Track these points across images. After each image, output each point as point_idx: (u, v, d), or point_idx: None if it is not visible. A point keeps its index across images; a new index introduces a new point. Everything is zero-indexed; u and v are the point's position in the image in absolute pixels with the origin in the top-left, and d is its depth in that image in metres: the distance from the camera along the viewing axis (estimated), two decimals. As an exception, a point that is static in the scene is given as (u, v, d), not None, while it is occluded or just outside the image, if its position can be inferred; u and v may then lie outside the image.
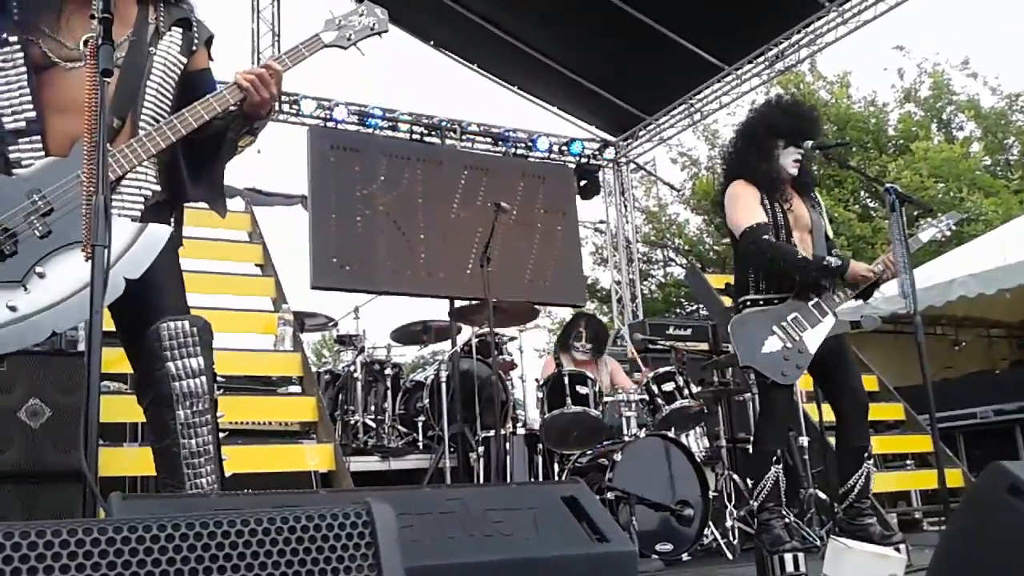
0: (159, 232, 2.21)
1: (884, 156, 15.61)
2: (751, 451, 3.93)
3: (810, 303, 3.61)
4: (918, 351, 3.40)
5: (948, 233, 4.01)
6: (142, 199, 2.26)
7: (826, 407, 4.08)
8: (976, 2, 29.16)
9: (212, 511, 1.08)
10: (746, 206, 3.66)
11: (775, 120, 3.78)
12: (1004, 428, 6.99)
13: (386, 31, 2.61)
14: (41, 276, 2.06)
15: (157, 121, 2.27)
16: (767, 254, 3.56)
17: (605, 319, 10.88)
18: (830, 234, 3.94)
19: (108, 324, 2.02)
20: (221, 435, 2.34)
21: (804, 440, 4.87)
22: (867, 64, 23.03)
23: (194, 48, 2.43)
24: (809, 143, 3.72)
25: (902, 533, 3.96)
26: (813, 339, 3.58)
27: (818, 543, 4.28)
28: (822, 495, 4.72)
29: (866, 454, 3.69)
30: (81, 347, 3.59)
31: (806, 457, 4.87)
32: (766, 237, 3.55)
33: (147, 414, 2.24)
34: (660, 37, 8.54)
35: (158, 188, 2.31)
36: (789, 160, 3.73)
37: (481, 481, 4.83)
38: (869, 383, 6.07)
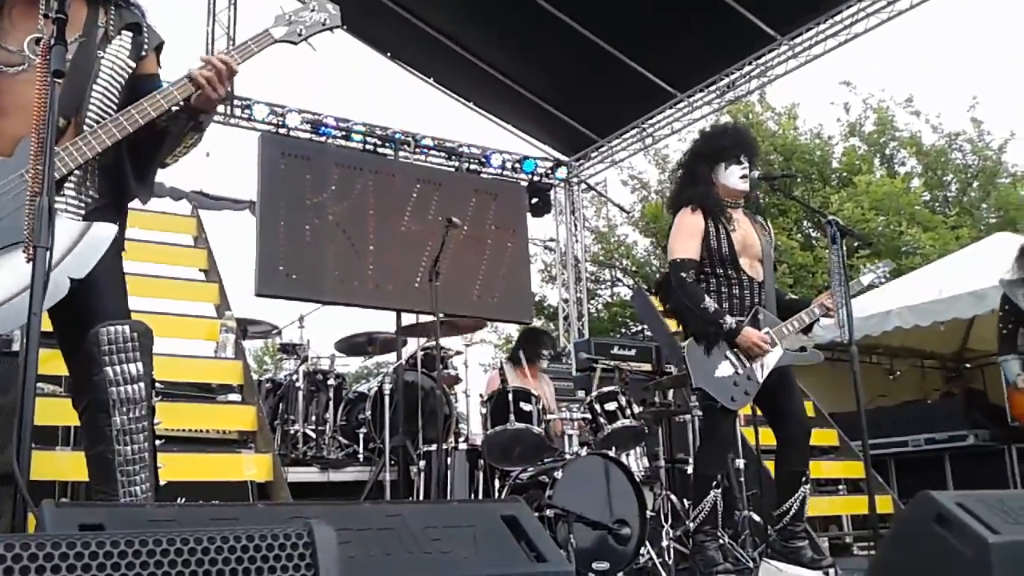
0: (104, 231, 2.17)
1: (828, 188, 15.99)
2: (692, 474, 3.99)
3: (763, 332, 3.69)
4: (853, 379, 3.50)
5: (884, 280, 4.17)
6: (84, 204, 2.23)
7: (764, 431, 4.16)
8: (921, 43, 30.13)
9: (147, 523, 1.06)
10: (682, 237, 3.77)
11: (699, 148, 3.93)
12: (934, 457, 7.18)
13: (338, 26, 2.57)
14: None
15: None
16: (677, 291, 3.71)
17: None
18: (775, 263, 4.05)
19: (44, 325, 1.98)
20: (157, 442, 2.30)
21: (740, 463, 4.95)
22: (814, 97, 23.60)
23: (143, 53, 2.40)
24: (754, 173, 3.83)
25: (832, 557, 4.04)
26: (761, 368, 3.67)
27: (751, 565, 4.35)
28: (756, 517, 4.79)
29: (804, 478, 3.76)
30: (16, 347, 3.50)
31: (742, 479, 4.95)
32: (683, 275, 3.68)
33: (82, 419, 2.20)
34: (616, 61, 8.65)
35: (98, 196, 2.28)
36: (735, 177, 3.81)
37: (421, 495, 4.81)
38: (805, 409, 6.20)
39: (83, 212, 2.21)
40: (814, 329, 4.08)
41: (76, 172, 2.20)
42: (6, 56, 2.19)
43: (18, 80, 2.14)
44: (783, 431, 3.83)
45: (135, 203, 2.50)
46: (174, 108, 2.31)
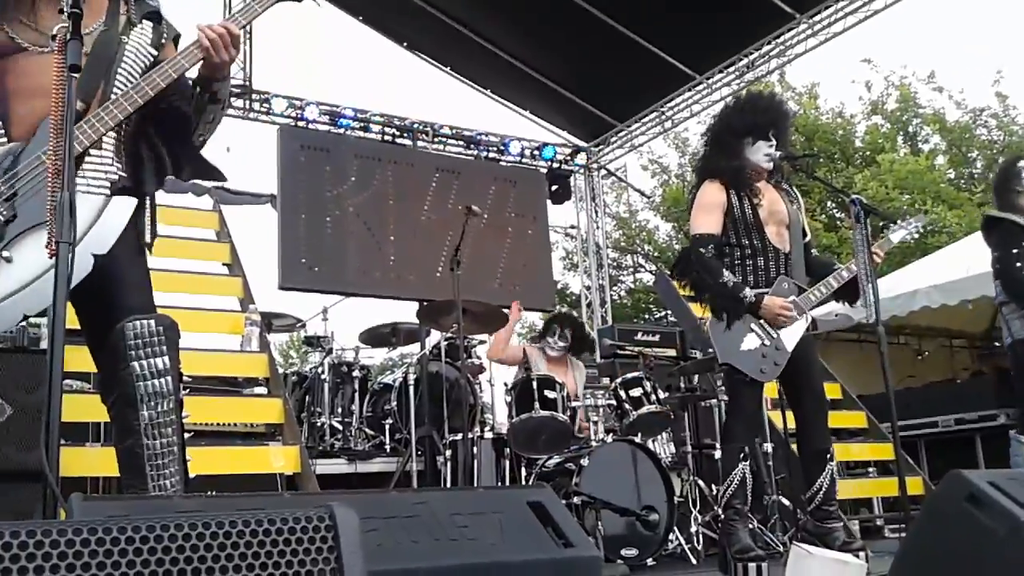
0: (124, 204, 2.18)
1: (851, 167, 15.83)
2: (720, 447, 3.96)
3: (787, 300, 3.65)
4: (881, 360, 3.46)
5: (916, 235, 4.08)
6: (108, 183, 2.22)
7: (791, 415, 4.12)
8: (943, 18, 29.70)
9: (174, 513, 1.07)
10: (704, 212, 3.74)
11: (733, 121, 3.86)
12: (964, 437, 7.11)
13: None
14: (8, 260, 2.03)
15: None
16: (696, 266, 3.67)
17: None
18: (807, 230, 3.98)
19: (72, 322, 2.00)
20: (186, 436, 2.32)
21: (768, 446, 4.92)
22: (835, 76, 23.37)
23: (163, 42, 2.43)
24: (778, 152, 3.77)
25: (863, 540, 4.01)
26: (790, 337, 3.63)
27: (781, 549, 4.33)
28: (786, 501, 4.77)
29: (828, 455, 3.73)
30: (44, 344, 3.54)
31: (770, 463, 4.92)
32: (702, 250, 3.64)
33: (111, 414, 2.22)
34: (633, 45, 8.59)
35: (124, 173, 2.27)
36: (760, 154, 3.77)
37: (448, 485, 4.82)
38: (833, 391, 6.15)
39: (108, 191, 2.20)
40: (845, 310, 4.03)
41: (94, 152, 2.19)
42: (33, 36, 2.21)
43: (41, 61, 2.15)
44: (802, 409, 3.80)
45: (167, 199, 2.50)
46: (188, 79, 2.30)
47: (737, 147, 3.78)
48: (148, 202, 2.38)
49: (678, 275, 3.81)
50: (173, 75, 2.24)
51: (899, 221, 4.00)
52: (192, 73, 2.34)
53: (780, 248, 3.74)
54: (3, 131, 2.15)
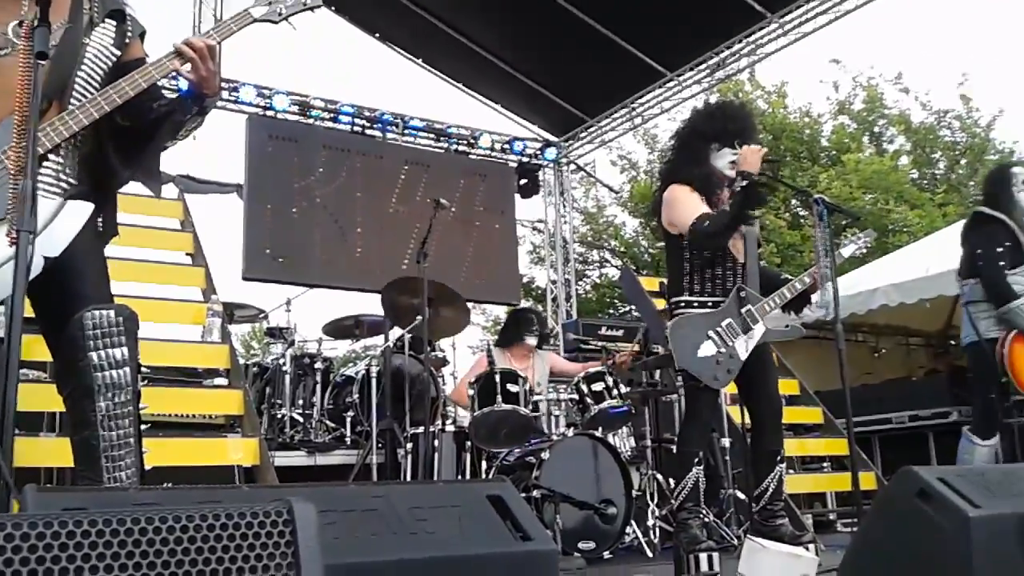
0: (79, 209, 2.17)
1: (816, 166, 16.01)
2: (675, 451, 4.02)
3: (742, 310, 3.71)
4: (839, 357, 3.52)
5: (865, 249, 4.17)
6: (60, 189, 2.21)
7: (746, 410, 4.19)
8: (911, 20, 30.12)
9: (130, 506, 1.07)
10: (688, 204, 3.73)
11: (702, 126, 3.89)
12: (918, 433, 7.22)
13: (319, 6, 2.56)
14: None
15: None
16: (714, 228, 3.64)
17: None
18: (761, 241, 4.04)
19: (28, 311, 1.98)
20: (143, 427, 2.31)
21: (726, 441, 4.99)
22: (804, 75, 23.55)
23: (127, 40, 2.40)
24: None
25: (816, 534, 4.08)
26: (744, 346, 3.69)
27: (735, 542, 4.39)
28: (741, 495, 4.84)
29: (779, 457, 3.80)
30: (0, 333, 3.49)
31: (727, 458, 4.99)
32: (706, 223, 3.63)
33: (67, 404, 2.20)
34: (605, 40, 8.61)
35: (75, 181, 2.26)
36: (725, 161, 3.79)
37: (408, 478, 4.83)
38: (790, 387, 6.25)
39: (60, 195, 2.20)
40: (794, 320, 4.10)
41: (52, 157, 2.18)
42: None
43: (4, 63, 2.13)
44: (756, 410, 3.87)
45: (129, 187, 2.50)
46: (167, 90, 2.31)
47: (704, 152, 3.82)
48: (107, 197, 2.37)
49: (696, 249, 3.77)
50: (143, 84, 2.24)
51: (850, 235, 4.06)
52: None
53: (737, 258, 3.80)
54: None
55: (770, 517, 3.73)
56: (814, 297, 3.86)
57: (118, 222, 2.46)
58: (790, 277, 3.98)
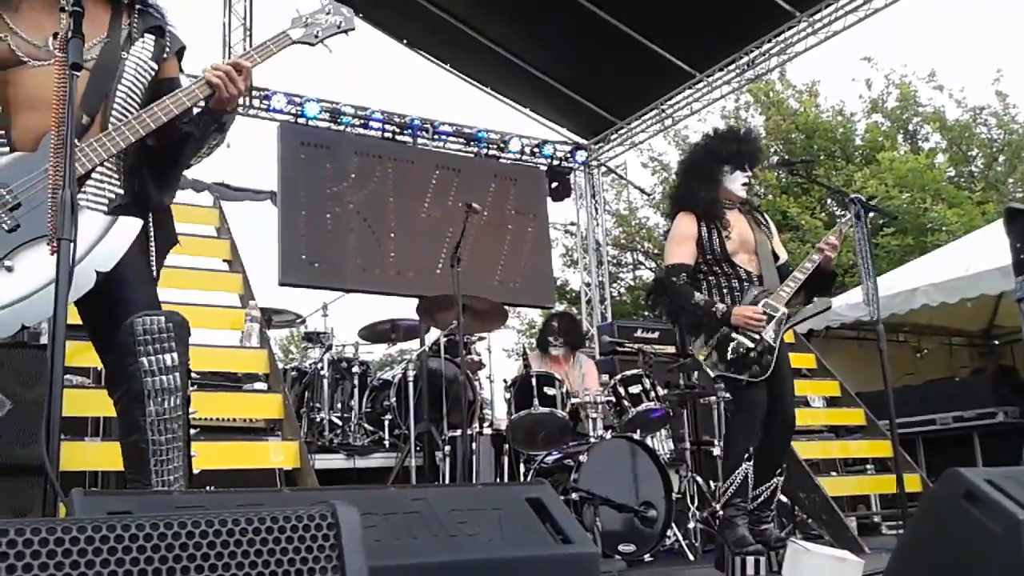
0: (131, 224, 2.21)
1: (851, 165, 15.80)
2: (724, 445, 4.03)
3: (759, 304, 3.76)
4: (880, 358, 3.47)
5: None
6: (106, 200, 2.25)
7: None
8: (943, 16, 29.68)
9: (175, 510, 1.07)
10: (677, 244, 3.91)
11: (714, 148, 4.00)
12: (963, 435, 7.10)
13: (352, 29, 2.65)
14: (9, 270, 2.04)
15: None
16: (669, 293, 3.87)
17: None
18: (779, 253, 4.07)
19: (72, 317, 2.00)
20: (191, 431, 2.33)
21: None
22: (835, 74, 23.27)
23: (165, 55, 2.43)
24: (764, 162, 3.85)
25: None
26: (772, 333, 3.72)
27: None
28: (783, 498, 4.77)
29: (779, 471, 3.80)
30: (44, 340, 3.54)
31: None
32: (674, 279, 3.82)
33: (117, 408, 2.22)
34: (633, 42, 8.59)
35: (121, 192, 2.30)
36: (737, 184, 3.93)
37: (447, 481, 4.83)
38: (831, 388, 6.16)
39: (106, 207, 2.23)
40: (834, 307, 4.08)
41: (99, 169, 2.22)
42: (31, 50, 2.20)
43: (42, 74, 2.16)
44: (769, 428, 3.81)
45: None
46: (197, 107, 2.34)
47: (716, 175, 3.93)
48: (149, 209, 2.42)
49: (651, 305, 3.99)
50: (175, 111, 2.27)
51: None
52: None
53: (751, 271, 3.90)
54: (6, 141, 2.16)
55: (758, 522, 3.73)
56: (857, 293, 3.87)
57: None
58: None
